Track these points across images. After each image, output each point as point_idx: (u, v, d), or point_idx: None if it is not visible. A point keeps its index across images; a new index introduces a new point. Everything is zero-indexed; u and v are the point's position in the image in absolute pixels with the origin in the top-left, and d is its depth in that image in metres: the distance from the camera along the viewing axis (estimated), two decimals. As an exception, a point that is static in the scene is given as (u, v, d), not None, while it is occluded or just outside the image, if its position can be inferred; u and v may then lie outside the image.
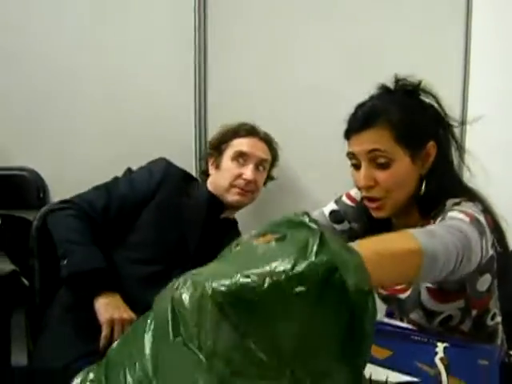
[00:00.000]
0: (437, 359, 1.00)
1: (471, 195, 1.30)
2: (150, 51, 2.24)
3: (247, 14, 2.29)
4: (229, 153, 1.89)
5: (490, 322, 1.37)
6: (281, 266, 0.71)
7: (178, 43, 2.24)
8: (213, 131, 2.10)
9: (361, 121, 1.30)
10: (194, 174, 2.17)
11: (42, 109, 2.20)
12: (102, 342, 1.48)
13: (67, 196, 1.75)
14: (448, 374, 0.94)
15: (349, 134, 1.33)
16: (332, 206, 1.57)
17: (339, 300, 0.73)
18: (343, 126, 1.35)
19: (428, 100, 1.33)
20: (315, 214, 1.57)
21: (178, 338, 0.72)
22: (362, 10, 2.33)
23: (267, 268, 0.71)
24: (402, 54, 2.31)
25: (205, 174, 2.00)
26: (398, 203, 1.31)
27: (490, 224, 1.20)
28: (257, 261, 0.74)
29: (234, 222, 1.99)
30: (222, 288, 0.70)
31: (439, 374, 0.95)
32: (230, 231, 1.90)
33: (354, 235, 1.55)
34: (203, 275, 0.74)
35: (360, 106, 1.35)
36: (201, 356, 0.70)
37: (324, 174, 2.20)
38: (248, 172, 1.85)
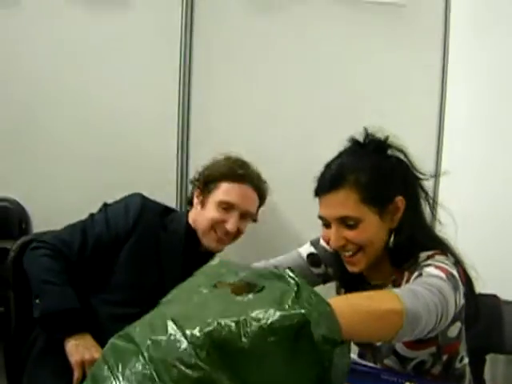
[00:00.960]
0: (404, 398, 1.03)
1: (443, 247, 1.34)
2: (134, 80, 2.29)
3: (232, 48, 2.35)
4: (215, 197, 1.79)
5: (458, 365, 1.41)
6: (256, 315, 0.78)
7: (162, 71, 2.30)
8: (195, 162, 2.12)
9: (328, 183, 1.33)
10: (174, 204, 2.21)
11: (24, 138, 2.22)
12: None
13: (50, 227, 1.76)
14: (415, 413, 0.97)
15: (318, 193, 1.36)
16: (310, 248, 1.59)
17: (310, 351, 0.79)
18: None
19: (396, 155, 1.36)
20: (293, 255, 1.60)
21: None
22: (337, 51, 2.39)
23: (243, 317, 0.78)
24: (377, 98, 2.38)
25: (190, 203, 1.93)
26: (370, 257, 1.34)
27: (461, 275, 1.26)
28: (233, 309, 0.81)
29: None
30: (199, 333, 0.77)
31: (407, 413, 0.98)
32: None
33: (329, 279, 1.60)
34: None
35: (328, 166, 1.38)
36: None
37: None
38: (231, 224, 1.76)
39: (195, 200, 1.86)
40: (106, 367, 0.83)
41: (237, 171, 1.80)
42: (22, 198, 2.11)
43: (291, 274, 0.87)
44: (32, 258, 1.66)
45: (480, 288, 1.67)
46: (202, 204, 1.83)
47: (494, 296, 1.96)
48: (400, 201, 1.32)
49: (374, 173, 1.31)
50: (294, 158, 2.33)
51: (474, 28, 2.46)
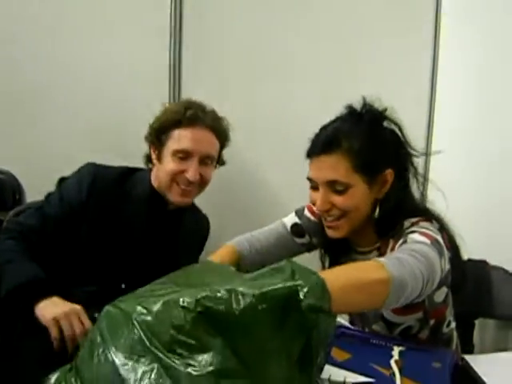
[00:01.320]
0: (392, 362, 1.06)
1: (428, 214, 1.36)
2: (127, 58, 2.29)
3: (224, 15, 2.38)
4: (169, 147, 1.65)
5: (445, 330, 1.44)
6: (249, 286, 0.83)
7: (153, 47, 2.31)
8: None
9: (321, 145, 1.33)
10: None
11: (16, 108, 2.21)
12: (54, 343, 1.34)
13: (43, 196, 1.75)
14: (402, 375, 1.00)
15: (310, 155, 1.37)
16: (294, 218, 1.60)
17: (297, 319, 0.83)
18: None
19: (391, 127, 1.37)
20: (277, 226, 1.60)
21: None
22: (336, 31, 2.47)
23: (236, 286, 0.83)
24: (372, 77, 2.42)
25: (149, 161, 1.78)
26: (353, 225, 1.36)
27: (446, 241, 1.28)
28: (230, 282, 0.88)
29: (186, 209, 1.77)
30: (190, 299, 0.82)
31: (393, 375, 1.01)
32: (184, 219, 1.77)
33: (312, 249, 1.61)
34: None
35: (323, 129, 1.38)
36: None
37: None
38: (190, 171, 1.62)
39: (152, 156, 1.73)
40: (98, 334, 0.86)
41: (185, 114, 1.65)
42: (14, 168, 2.10)
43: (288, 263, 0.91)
44: None
45: (469, 254, 1.71)
46: (159, 158, 1.69)
47: (483, 261, 2.00)
48: (389, 173, 1.33)
49: (368, 141, 1.31)
50: (286, 126, 2.36)
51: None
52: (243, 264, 1.52)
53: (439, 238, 1.24)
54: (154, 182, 1.71)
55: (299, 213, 1.61)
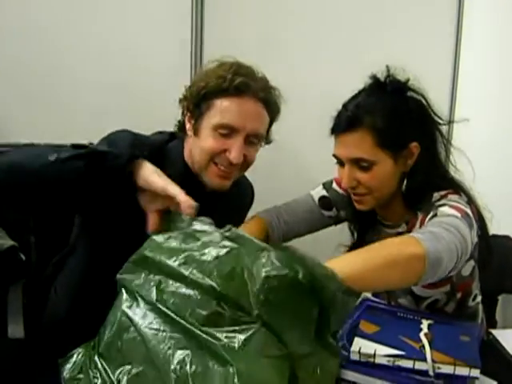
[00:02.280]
0: (421, 334, 1.06)
1: (456, 187, 1.35)
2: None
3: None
4: (210, 119, 1.38)
5: (471, 303, 1.44)
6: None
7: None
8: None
9: (344, 123, 1.32)
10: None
11: (37, 80, 2.26)
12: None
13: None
14: (431, 348, 1.00)
15: (334, 132, 1.36)
16: (322, 191, 1.60)
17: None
18: None
19: (415, 97, 1.35)
20: (304, 199, 1.60)
21: None
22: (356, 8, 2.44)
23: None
24: (394, 47, 2.39)
25: (183, 130, 1.48)
26: (380, 199, 1.36)
27: (474, 214, 1.27)
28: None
29: (227, 193, 1.48)
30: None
31: (423, 347, 1.00)
32: (223, 198, 1.49)
33: (339, 222, 1.61)
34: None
35: (345, 106, 1.37)
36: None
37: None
38: (234, 151, 1.35)
39: (187, 125, 1.45)
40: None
41: (234, 81, 1.35)
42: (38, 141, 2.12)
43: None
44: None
45: (493, 229, 1.69)
46: (195, 131, 1.41)
47: (507, 237, 1.98)
48: (415, 147, 1.32)
49: (391, 116, 1.30)
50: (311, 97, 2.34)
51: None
52: (272, 235, 1.53)
53: (469, 210, 1.23)
54: (188, 159, 1.46)
55: (327, 185, 1.60)
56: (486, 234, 1.36)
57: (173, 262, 0.91)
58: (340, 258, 1.00)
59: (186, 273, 0.88)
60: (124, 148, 1.27)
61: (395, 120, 1.30)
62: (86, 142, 1.25)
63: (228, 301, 0.83)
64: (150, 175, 1.11)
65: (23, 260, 1.75)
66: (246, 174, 1.53)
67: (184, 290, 0.87)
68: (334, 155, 1.37)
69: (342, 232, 1.60)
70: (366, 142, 1.29)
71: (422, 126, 1.34)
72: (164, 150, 1.48)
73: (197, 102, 1.40)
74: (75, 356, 0.97)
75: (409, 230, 1.35)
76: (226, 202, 1.51)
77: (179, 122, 1.49)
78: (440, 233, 1.07)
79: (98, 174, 1.10)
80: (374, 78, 1.36)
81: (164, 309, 0.87)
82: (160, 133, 1.56)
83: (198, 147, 1.41)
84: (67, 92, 2.29)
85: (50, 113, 2.27)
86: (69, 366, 0.95)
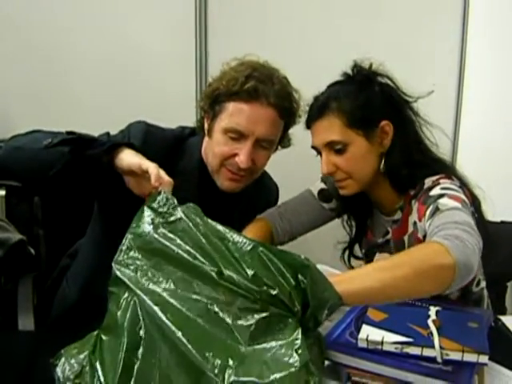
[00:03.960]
0: (429, 321, 1.06)
1: (445, 168, 1.36)
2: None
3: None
4: (221, 122, 1.38)
5: (475, 289, 1.44)
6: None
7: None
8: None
9: (314, 112, 1.37)
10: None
11: (43, 74, 2.28)
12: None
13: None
14: (440, 334, 1.00)
15: (307, 124, 1.40)
16: (320, 185, 1.60)
17: None
18: None
19: (384, 81, 1.38)
20: (304, 196, 1.60)
21: None
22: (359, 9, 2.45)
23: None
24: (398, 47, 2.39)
25: (202, 129, 1.49)
26: (362, 181, 1.37)
27: (468, 198, 1.26)
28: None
29: (247, 192, 1.50)
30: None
31: (431, 334, 1.00)
32: (241, 196, 1.51)
33: (342, 214, 1.60)
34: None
35: (316, 97, 1.41)
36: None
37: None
38: (242, 156, 1.36)
39: (205, 125, 1.46)
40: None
41: (244, 85, 1.34)
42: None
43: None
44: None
45: (501, 216, 1.69)
46: (209, 132, 1.43)
47: (516, 223, 1.97)
48: (386, 125, 1.34)
49: (357, 98, 1.34)
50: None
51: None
52: (276, 235, 1.54)
53: (463, 196, 1.23)
54: (205, 157, 1.47)
55: (324, 178, 1.60)
56: (480, 215, 1.35)
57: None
58: (368, 267, 1.02)
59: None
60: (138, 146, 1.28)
61: (360, 101, 1.34)
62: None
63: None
64: (127, 156, 1.16)
65: (32, 254, 1.77)
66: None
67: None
68: (312, 147, 1.40)
69: (339, 228, 1.60)
70: (335, 124, 1.33)
71: (390, 104, 1.37)
72: (183, 144, 1.49)
73: (211, 103, 1.41)
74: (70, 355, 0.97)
75: (405, 218, 1.37)
76: (247, 201, 1.55)
77: (201, 118, 1.49)
78: (462, 237, 1.04)
79: (81, 160, 1.16)
80: (344, 72, 1.40)
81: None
82: (182, 127, 1.57)
83: (210, 150, 1.42)
84: (69, 86, 2.31)
85: (52, 107, 2.29)
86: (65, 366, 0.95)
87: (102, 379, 0.89)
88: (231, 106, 1.36)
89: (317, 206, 1.58)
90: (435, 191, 1.26)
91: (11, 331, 1.46)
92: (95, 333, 0.99)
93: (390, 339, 0.99)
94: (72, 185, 1.25)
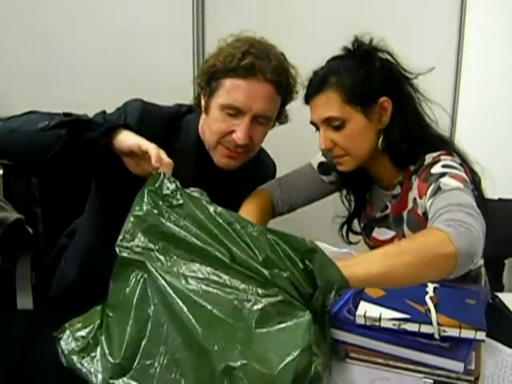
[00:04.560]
0: (427, 298, 1.06)
1: (445, 144, 1.35)
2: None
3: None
4: (218, 98, 1.37)
5: (473, 267, 1.44)
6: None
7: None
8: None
9: (313, 87, 1.36)
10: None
11: (44, 59, 2.27)
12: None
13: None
14: (437, 311, 1.00)
15: (306, 99, 1.39)
16: (320, 158, 1.58)
17: None
18: None
19: (382, 56, 1.36)
20: (304, 169, 1.59)
21: None
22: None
23: None
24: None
25: (199, 105, 1.46)
26: (359, 158, 1.36)
27: (468, 175, 1.26)
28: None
29: (244, 169, 1.49)
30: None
31: (429, 311, 1.00)
32: (239, 173, 1.50)
33: (342, 187, 1.60)
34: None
35: (315, 72, 1.39)
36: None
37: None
38: (239, 132, 1.35)
39: (202, 102, 1.44)
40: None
41: (241, 62, 1.33)
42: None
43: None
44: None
45: (500, 193, 1.68)
46: (206, 109, 1.42)
47: (514, 201, 1.97)
48: (385, 101, 1.33)
49: (356, 73, 1.32)
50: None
51: None
52: (276, 206, 1.54)
53: (464, 175, 1.23)
54: (201, 134, 1.47)
55: (324, 152, 1.59)
56: (480, 192, 1.34)
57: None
58: (374, 252, 1.01)
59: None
60: (135, 124, 1.30)
61: (360, 76, 1.32)
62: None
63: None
64: (125, 137, 1.16)
65: (30, 233, 1.76)
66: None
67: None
68: (311, 122, 1.39)
69: (337, 203, 1.61)
70: (334, 100, 1.31)
71: (390, 80, 1.35)
72: (180, 122, 1.49)
73: (208, 79, 1.39)
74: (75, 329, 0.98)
75: (404, 194, 1.37)
76: (244, 179, 1.54)
77: (198, 95, 1.48)
78: (467, 222, 1.03)
79: (78, 143, 1.16)
80: (344, 47, 1.39)
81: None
82: (179, 105, 1.56)
83: (208, 127, 1.41)
84: (67, 70, 2.30)
85: (51, 90, 2.27)
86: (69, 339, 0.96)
87: (108, 354, 0.90)
88: (228, 82, 1.35)
89: (317, 178, 1.57)
90: (436, 169, 1.25)
91: (10, 310, 1.46)
92: (98, 308, 1.00)
93: (387, 316, 0.99)
94: (69, 166, 1.26)
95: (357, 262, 0.97)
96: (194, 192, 1.03)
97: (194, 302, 0.86)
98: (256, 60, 1.33)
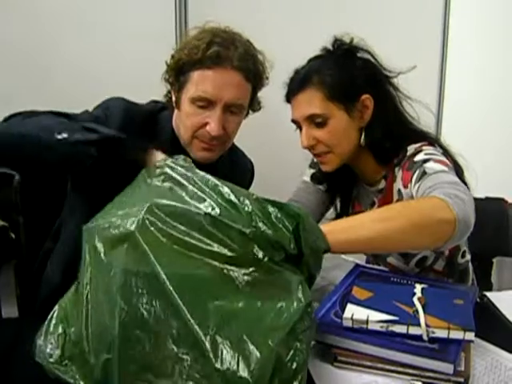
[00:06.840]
0: (415, 299, 1.05)
1: (428, 138, 1.36)
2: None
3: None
4: (187, 92, 1.36)
5: (460, 260, 1.45)
6: None
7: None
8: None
9: (295, 85, 1.37)
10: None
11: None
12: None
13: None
14: (425, 312, 0.99)
15: (287, 97, 1.40)
16: (310, 171, 1.59)
17: None
18: None
19: (363, 55, 1.38)
20: (298, 186, 1.60)
21: None
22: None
23: None
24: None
25: (171, 101, 1.46)
26: (342, 155, 1.37)
27: (451, 164, 1.26)
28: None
29: (220, 157, 1.48)
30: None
31: (417, 312, 0.99)
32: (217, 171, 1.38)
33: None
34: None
35: (297, 71, 1.41)
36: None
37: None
38: (212, 123, 1.33)
39: (173, 98, 1.44)
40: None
41: (206, 52, 1.31)
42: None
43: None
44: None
45: (486, 192, 1.68)
46: (177, 104, 1.41)
47: (502, 199, 1.97)
48: (367, 99, 1.34)
49: (338, 72, 1.34)
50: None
51: None
52: None
53: (447, 161, 1.24)
54: (176, 130, 1.46)
55: (312, 163, 1.61)
56: (463, 183, 1.35)
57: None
58: (363, 216, 1.02)
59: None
60: (119, 123, 1.34)
61: (342, 74, 1.34)
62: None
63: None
64: (155, 156, 1.20)
65: (14, 239, 1.74)
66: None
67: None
68: (292, 120, 1.40)
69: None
70: (316, 97, 1.33)
71: (371, 79, 1.36)
72: (155, 120, 1.48)
73: (176, 74, 1.38)
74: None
75: (389, 186, 1.37)
76: (222, 177, 1.50)
77: (168, 92, 1.46)
78: (460, 195, 1.04)
79: (111, 160, 1.19)
80: (324, 47, 1.40)
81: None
82: (154, 102, 1.54)
83: (180, 121, 1.41)
84: (52, 59, 2.26)
85: (36, 80, 2.23)
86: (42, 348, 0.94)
87: (72, 334, 0.92)
88: (196, 74, 1.33)
89: (315, 191, 1.58)
90: (419, 157, 1.26)
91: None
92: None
93: (375, 318, 0.98)
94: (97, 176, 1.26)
95: (344, 227, 0.97)
96: (179, 159, 1.06)
97: (177, 272, 0.82)
98: (221, 49, 1.31)
